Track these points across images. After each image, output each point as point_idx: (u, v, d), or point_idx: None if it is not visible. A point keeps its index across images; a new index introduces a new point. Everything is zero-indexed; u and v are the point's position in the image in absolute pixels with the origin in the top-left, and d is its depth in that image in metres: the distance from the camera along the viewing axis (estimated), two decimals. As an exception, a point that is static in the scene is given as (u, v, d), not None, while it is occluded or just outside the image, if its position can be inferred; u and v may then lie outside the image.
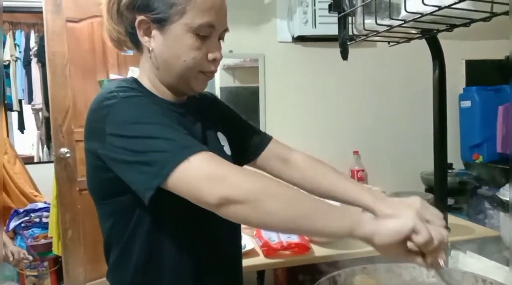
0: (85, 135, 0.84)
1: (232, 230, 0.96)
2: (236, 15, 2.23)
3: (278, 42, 2.33)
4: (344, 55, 1.03)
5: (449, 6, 0.73)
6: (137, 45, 0.89)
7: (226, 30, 0.88)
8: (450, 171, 2.19)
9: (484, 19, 0.78)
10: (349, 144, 2.40)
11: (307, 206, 0.70)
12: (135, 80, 0.90)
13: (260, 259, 1.61)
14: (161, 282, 0.86)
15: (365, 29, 0.92)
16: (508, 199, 1.00)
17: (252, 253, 1.63)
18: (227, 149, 0.99)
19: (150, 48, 0.85)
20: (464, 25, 0.85)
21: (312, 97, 2.38)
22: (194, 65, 0.84)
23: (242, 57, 2.34)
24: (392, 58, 2.29)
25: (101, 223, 0.90)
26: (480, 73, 2.48)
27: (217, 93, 2.35)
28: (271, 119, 2.33)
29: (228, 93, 2.40)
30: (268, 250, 1.59)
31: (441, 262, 0.69)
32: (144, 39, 0.85)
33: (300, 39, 2.31)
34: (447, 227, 0.72)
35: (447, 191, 1.15)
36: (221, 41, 0.89)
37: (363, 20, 0.90)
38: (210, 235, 0.89)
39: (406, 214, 0.68)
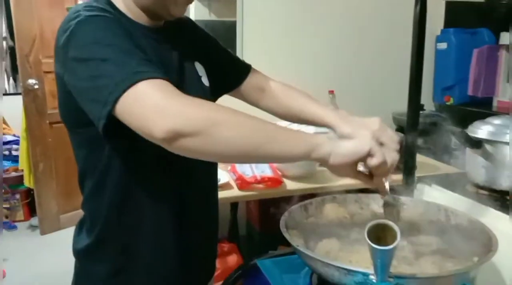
0: (54, 59, 0.80)
1: (209, 163, 0.95)
2: None
3: (257, -26, 2.23)
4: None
5: None
6: None
7: None
8: (421, 112, 2.23)
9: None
10: (325, 83, 2.40)
11: (264, 132, 0.68)
12: (108, 2, 0.83)
13: (234, 192, 1.65)
14: (139, 218, 0.84)
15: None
16: (476, 135, 1.04)
17: (226, 186, 1.66)
18: (205, 80, 0.95)
19: None
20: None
21: (290, 34, 2.33)
22: None
23: (220, -12, 2.25)
24: (373, -5, 2.25)
25: (74, 151, 0.87)
26: (459, 15, 2.47)
27: (193, 26, 2.28)
28: (248, 55, 2.28)
29: (204, 26, 2.31)
30: (242, 183, 1.63)
31: (387, 184, 0.74)
32: None
33: (280, -29, 2.23)
34: (400, 150, 0.76)
35: (418, 131, 1.17)
36: None
37: None
38: (187, 169, 0.87)
39: (363, 136, 0.70)
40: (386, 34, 2.39)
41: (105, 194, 0.83)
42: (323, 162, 0.70)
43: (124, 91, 0.65)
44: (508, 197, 1.01)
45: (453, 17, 2.48)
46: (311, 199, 0.96)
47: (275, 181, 1.67)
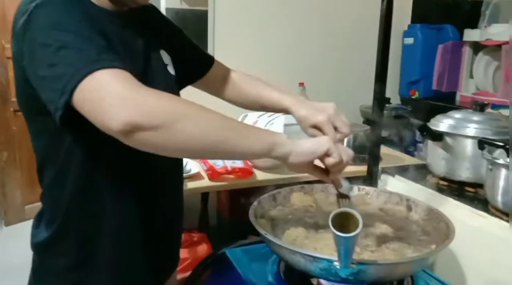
0: (11, 43, 0.74)
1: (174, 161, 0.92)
2: None
3: (229, -37, 2.22)
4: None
5: None
6: None
7: None
8: (387, 105, 2.29)
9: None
10: (296, 75, 2.41)
11: (226, 128, 0.67)
12: None
13: (205, 182, 1.66)
14: (102, 209, 0.81)
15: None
16: (437, 129, 1.08)
17: (197, 176, 1.67)
18: (171, 69, 0.93)
19: None
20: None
21: (261, 26, 2.34)
22: None
23: (191, -23, 2.22)
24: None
25: (33, 141, 0.83)
26: (425, 11, 2.53)
27: (163, 15, 2.25)
28: (219, 45, 2.27)
29: (174, 14, 2.29)
30: (213, 173, 1.64)
31: (341, 180, 0.79)
32: None
33: (252, -39, 2.22)
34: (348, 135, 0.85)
35: (383, 123, 1.21)
36: None
37: None
38: (151, 159, 0.81)
39: (321, 138, 0.75)
40: (355, 28, 2.43)
41: (66, 185, 0.79)
42: (282, 160, 0.72)
43: (81, 80, 0.62)
44: (466, 188, 1.07)
45: (420, 13, 2.54)
46: (280, 189, 0.98)
47: (246, 172, 1.68)
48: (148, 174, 0.86)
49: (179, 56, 0.96)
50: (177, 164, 0.97)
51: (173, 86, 0.92)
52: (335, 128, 0.85)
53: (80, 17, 0.70)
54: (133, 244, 0.85)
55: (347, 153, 0.74)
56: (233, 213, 2.06)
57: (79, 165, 0.78)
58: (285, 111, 0.95)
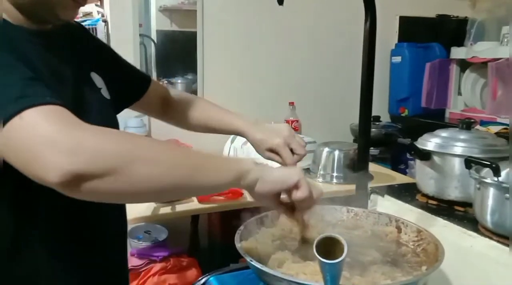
0: None
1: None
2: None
3: (218, -15, 2.25)
4: None
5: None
6: None
7: None
8: (377, 123, 2.30)
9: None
10: (285, 95, 2.43)
11: (187, 163, 0.59)
12: None
13: (194, 205, 1.64)
14: (34, 270, 0.67)
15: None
16: (424, 147, 1.07)
17: (186, 199, 1.65)
18: (105, 93, 0.83)
19: None
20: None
21: (251, 45, 2.36)
22: None
23: (180, -1, 2.24)
24: (329, 10, 2.30)
25: None
26: (412, 30, 2.57)
27: (153, 37, 2.26)
28: (209, 66, 2.28)
29: (164, 36, 2.31)
30: (202, 195, 1.62)
31: (307, 219, 0.73)
32: None
33: (240, -17, 2.25)
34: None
35: (369, 141, 1.21)
36: None
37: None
38: (91, 214, 0.72)
39: (293, 168, 0.70)
40: (343, 47, 2.46)
41: None
42: (249, 189, 0.66)
43: (4, 122, 0.51)
44: (455, 207, 1.06)
45: (406, 31, 2.58)
46: (266, 211, 0.97)
47: (236, 193, 1.66)
48: (88, 225, 0.74)
49: (113, 78, 0.86)
50: (122, 217, 0.86)
51: (110, 112, 0.83)
52: (291, 150, 0.83)
53: None
54: None
55: (317, 189, 0.69)
56: (224, 235, 2.03)
57: (3, 222, 0.65)
58: (237, 133, 0.92)
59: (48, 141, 0.50)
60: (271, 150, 0.84)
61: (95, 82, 0.80)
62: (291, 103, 2.43)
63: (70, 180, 0.50)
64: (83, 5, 0.70)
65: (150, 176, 0.54)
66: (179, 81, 2.35)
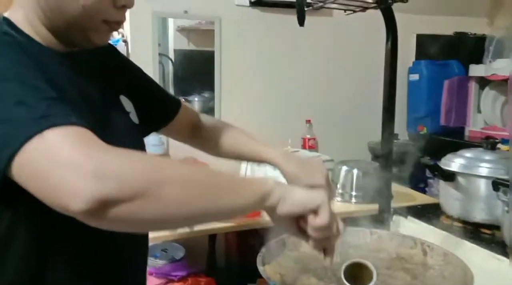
0: None
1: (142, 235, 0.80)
2: (193, -26, 2.16)
3: (235, 5, 2.27)
4: (301, 21, 1.02)
5: (406, -23, 0.73)
6: None
7: None
8: (395, 141, 2.27)
9: (438, -7, 0.80)
10: (302, 112, 2.43)
11: (213, 186, 0.57)
12: (6, 21, 0.65)
13: (212, 223, 1.62)
14: None
15: (323, -4, 0.91)
16: (449, 168, 1.06)
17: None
18: (134, 117, 0.81)
19: None
20: (419, -3, 0.86)
21: (267, 63, 2.37)
22: (96, 13, 0.64)
23: (198, 19, 2.27)
24: (347, 28, 2.31)
25: None
26: (429, 47, 2.56)
27: (171, 55, 2.29)
28: (226, 84, 2.30)
29: (182, 56, 2.33)
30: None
31: (330, 247, 0.66)
32: None
33: (257, 3, 2.27)
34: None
35: (392, 161, 1.19)
36: None
37: (322, -14, 0.90)
38: (112, 248, 0.70)
39: (318, 191, 0.65)
40: (360, 65, 2.45)
41: (5, 274, 0.63)
42: (271, 210, 0.63)
43: (23, 143, 0.47)
44: (482, 230, 1.03)
45: (424, 49, 2.56)
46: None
47: (253, 212, 1.65)
48: (108, 268, 0.71)
49: (142, 100, 0.85)
50: (143, 239, 0.84)
51: (137, 137, 0.82)
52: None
53: (23, 62, 0.58)
54: None
55: (338, 223, 0.64)
56: (242, 254, 2.01)
57: (22, 248, 0.62)
58: (268, 162, 0.89)
59: (71, 164, 0.47)
60: (312, 187, 0.82)
61: (124, 105, 0.80)
62: (308, 121, 2.43)
63: (96, 206, 0.46)
64: (116, 29, 0.70)
65: (178, 199, 0.52)
66: (196, 99, 2.36)
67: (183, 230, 1.56)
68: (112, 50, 0.86)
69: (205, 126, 0.98)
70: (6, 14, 0.66)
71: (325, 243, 0.65)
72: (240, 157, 0.95)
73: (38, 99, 0.52)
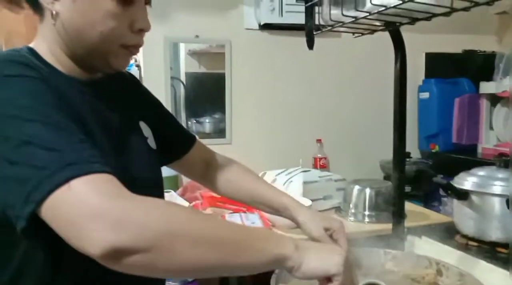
0: None
1: None
2: (203, 0, 2.21)
3: (245, 29, 2.31)
4: (310, 44, 1.04)
5: (412, 0, 0.75)
6: (35, 5, 0.68)
7: None
8: (407, 159, 2.26)
9: (444, 14, 0.81)
10: (313, 132, 2.44)
11: (230, 242, 0.57)
12: (31, 50, 0.68)
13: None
14: None
15: (331, 20, 0.93)
16: (462, 187, 1.05)
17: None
18: (151, 142, 0.83)
19: (54, 12, 0.66)
20: (426, 19, 0.88)
21: (277, 85, 2.39)
22: (114, 38, 0.67)
23: (209, 43, 2.32)
24: (355, 48, 2.33)
25: None
26: (438, 65, 2.57)
27: (182, 78, 2.33)
28: (236, 106, 2.32)
29: (194, 78, 2.37)
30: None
31: None
32: (45, 0, 0.66)
33: (266, 27, 2.31)
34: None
35: (405, 179, 1.19)
36: (147, 6, 0.71)
37: (330, 10, 0.91)
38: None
39: (334, 257, 0.65)
40: (370, 84, 2.47)
41: None
42: (289, 272, 0.64)
43: (51, 191, 0.51)
44: (498, 249, 1.02)
45: (433, 67, 2.57)
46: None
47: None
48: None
49: (159, 132, 0.87)
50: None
51: (155, 162, 0.83)
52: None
53: (47, 99, 0.59)
54: None
55: (354, 277, 0.67)
56: (256, 277, 1.99)
57: (36, 273, 0.65)
58: (282, 209, 0.90)
59: (94, 214, 0.50)
60: (326, 230, 0.84)
61: (143, 130, 0.81)
62: (319, 140, 2.43)
63: (112, 254, 0.50)
64: (135, 53, 0.72)
65: (190, 255, 0.53)
66: (207, 120, 2.39)
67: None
68: (133, 79, 0.90)
69: (219, 167, 0.97)
70: (31, 45, 0.70)
71: None
72: (254, 204, 0.95)
73: (64, 143, 0.55)
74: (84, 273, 0.67)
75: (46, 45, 0.69)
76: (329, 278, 0.64)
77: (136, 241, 0.50)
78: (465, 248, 1.05)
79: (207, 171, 0.97)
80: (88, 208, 0.50)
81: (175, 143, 0.93)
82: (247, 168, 0.98)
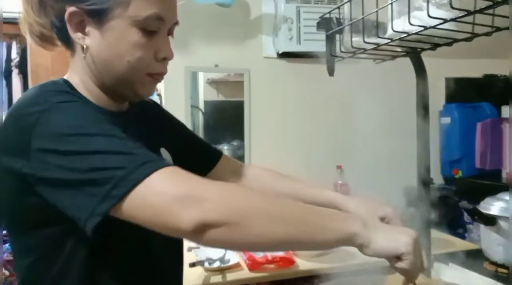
0: None
1: (176, 260, 0.89)
2: (222, 30, 2.27)
3: (264, 58, 2.35)
4: (331, 71, 1.05)
5: (434, 27, 0.76)
6: (67, 41, 0.75)
7: (177, 23, 0.76)
8: (430, 185, 2.22)
9: (466, 39, 0.82)
10: (333, 158, 2.42)
11: (303, 220, 0.63)
12: (66, 82, 0.75)
13: (245, 273, 1.60)
14: None
15: (352, 47, 0.94)
16: (489, 212, 1.03)
17: (236, 267, 1.62)
18: None
19: (84, 46, 0.71)
20: (447, 44, 0.88)
21: (296, 112, 2.41)
22: (140, 67, 0.72)
23: (228, 72, 2.36)
24: (376, 74, 2.33)
25: (16, 260, 0.74)
26: (459, 90, 2.55)
27: (201, 106, 2.37)
28: (256, 134, 2.34)
29: (213, 107, 2.41)
30: (253, 264, 1.59)
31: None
32: (76, 36, 0.71)
33: (285, 55, 2.35)
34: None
35: (429, 206, 1.17)
36: (170, 37, 0.77)
37: (351, 38, 0.93)
38: (154, 267, 0.79)
39: (403, 237, 0.66)
40: (391, 110, 2.45)
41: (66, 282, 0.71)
42: (359, 249, 0.67)
43: (135, 185, 0.58)
44: (529, 277, 0.98)
45: (453, 92, 2.56)
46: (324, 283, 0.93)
47: (287, 261, 1.62)
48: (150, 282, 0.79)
49: (182, 153, 0.92)
50: (179, 271, 0.92)
51: None
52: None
53: (97, 117, 0.67)
54: None
55: (423, 258, 0.68)
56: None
57: (82, 267, 0.71)
58: (327, 203, 0.91)
59: (180, 197, 0.58)
60: (382, 219, 0.86)
61: (163, 156, 0.86)
62: (339, 166, 2.42)
63: (200, 228, 0.57)
64: (159, 80, 0.77)
65: (268, 230, 0.60)
66: (225, 147, 2.40)
67: (216, 280, 1.55)
68: (154, 105, 0.96)
69: (252, 173, 1.01)
70: (65, 77, 0.77)
71: (407, 276, 0.69)
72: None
73: (130, 147, 0.62)
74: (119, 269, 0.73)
75: (78, 77, 0.75)
76: (399, 257, 0.65)
77: (219, 216, 0.57)
78: (494, 275, 1.02)
79: (240, 181, 1.00)
80: (173, 194, 0.58)
81: (199, 162, 0.97)
82: (281, 173, 1.02)
